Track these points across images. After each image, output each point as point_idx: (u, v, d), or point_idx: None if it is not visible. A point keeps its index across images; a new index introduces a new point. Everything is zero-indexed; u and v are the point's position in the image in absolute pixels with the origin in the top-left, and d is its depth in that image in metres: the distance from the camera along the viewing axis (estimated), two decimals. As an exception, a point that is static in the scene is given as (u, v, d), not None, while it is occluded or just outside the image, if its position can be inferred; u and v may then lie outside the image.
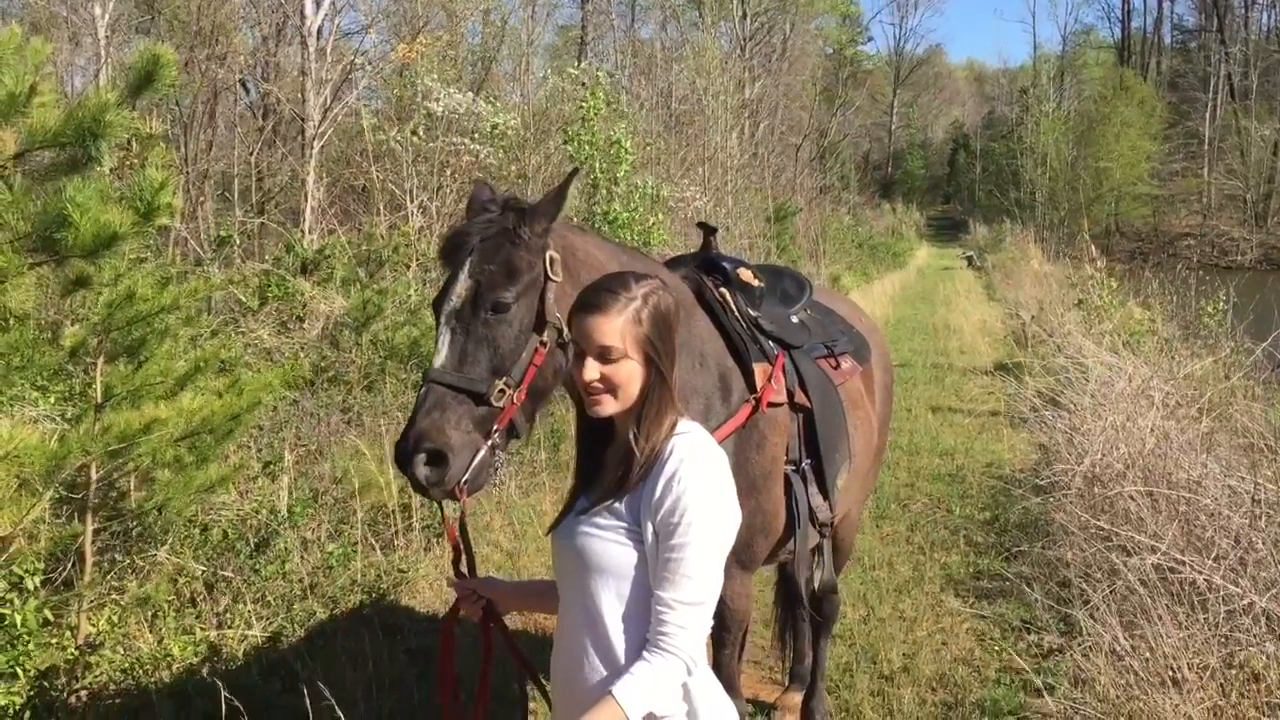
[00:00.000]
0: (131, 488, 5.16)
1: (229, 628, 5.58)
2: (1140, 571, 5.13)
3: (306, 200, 14.00)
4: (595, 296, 2.37)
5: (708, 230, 4.01)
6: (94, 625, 4.94)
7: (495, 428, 2.88)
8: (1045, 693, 5.08)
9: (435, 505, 2.98)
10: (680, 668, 2.22)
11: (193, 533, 6.02)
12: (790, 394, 3.72)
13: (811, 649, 5.06)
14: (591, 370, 2.33)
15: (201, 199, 16.62)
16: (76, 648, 4.80)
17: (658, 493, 2.27)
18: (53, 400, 5.84)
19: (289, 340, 11.46)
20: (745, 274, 3.82)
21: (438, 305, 2.98)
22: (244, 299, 12.65)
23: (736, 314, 3.70)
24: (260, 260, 13.82)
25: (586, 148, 12.02)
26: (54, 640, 4.80)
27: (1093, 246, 17.07)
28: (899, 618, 6.44)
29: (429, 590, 6.48)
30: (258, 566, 6.07)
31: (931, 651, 5.91)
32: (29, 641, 3.58)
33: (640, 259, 3.54)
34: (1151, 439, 7.24)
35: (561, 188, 3.07)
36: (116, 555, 5.51)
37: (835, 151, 44.63)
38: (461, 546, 2.80)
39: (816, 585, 4.14)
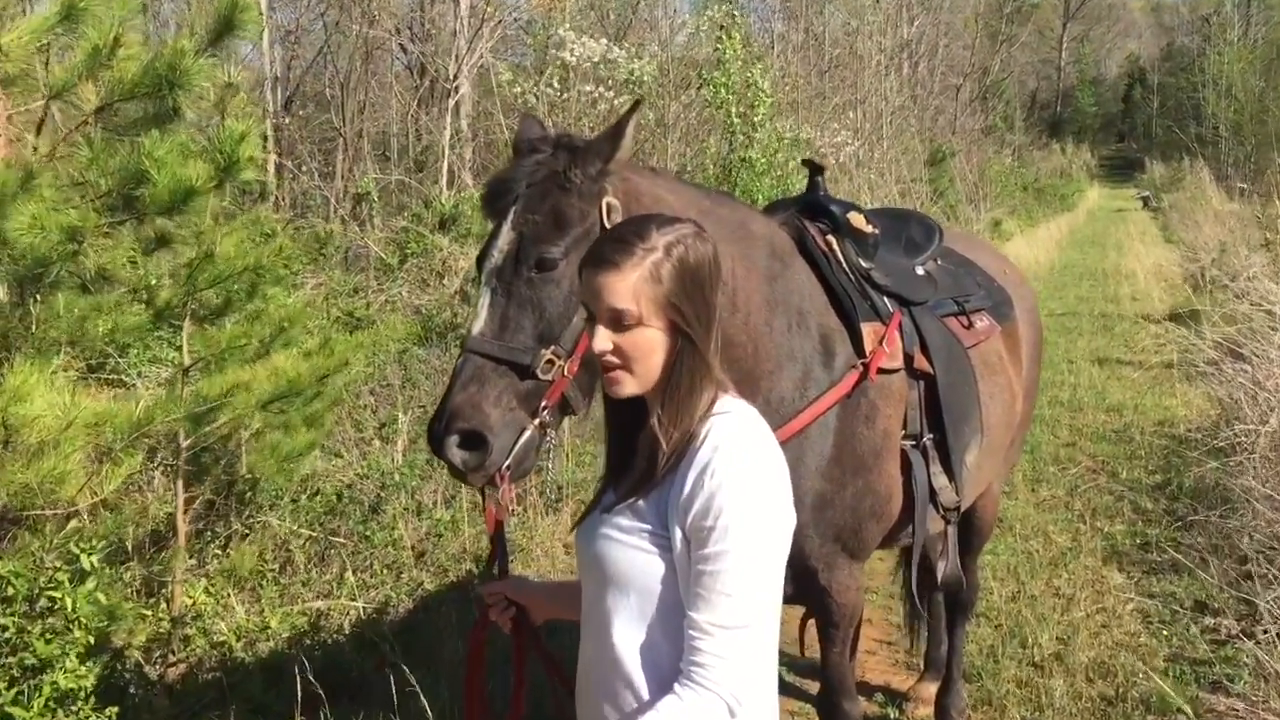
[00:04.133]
0: (224, 455, 4.98)
1: (334, 598, 5.39)
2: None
3: (444, 156, 13.86)
4: (604, 248, 1.91)
5: (814, 168, 3.51)
6: (190, 597, 4.79)
7: (544, 404, 2.48)
8: (1224, 685, 4.48)
9: (478, 492, 2.57)
10: (718, 707, 1.76)
11: (300, 498, 5.85)
12: (908, 358, 3.21)
13: (947, 634, 4.55)
14: (602, 340, 1.88)
15: (358, 158, 16.77)
16: (170, 620, 4.65)
17: (687, 489, 1.82)
18: (147, 364, 5.74)
19: (428, 297, 11.34)
20: (857, 219, 3.30)
21: (480, 261, 2.59)
22: (384, 256, 12.64)
23: (844, 265, 3.20)
24: (401, 217, 13.81)
25: (722, 91, 11.46)
26: (149, 613, 4.67)
27: (1282, 182, 15.66)
28: (1053, 595, 5.84)
29: (545, 559, 6.19)
30: (369, 533, 5.87)
31: (1090, 635, 5.30)
32: (86, 625, 3.36)
33: (726, 203, 3.07)
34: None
35: (620, 121, 2.64)
36: (217, 526, 5.36)
37: (999, 91, 42.67)
38: (498, 542, 2.42)
39: (939, 578, 3.63)
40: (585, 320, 1.94)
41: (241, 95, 4.52)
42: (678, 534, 1.82)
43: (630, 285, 1.85)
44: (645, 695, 1.86)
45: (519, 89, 14.27)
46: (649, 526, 1.87)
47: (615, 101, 13.85)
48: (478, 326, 2.51)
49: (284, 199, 15.95)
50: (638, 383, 1.90)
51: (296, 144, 17.34)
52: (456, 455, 2.42)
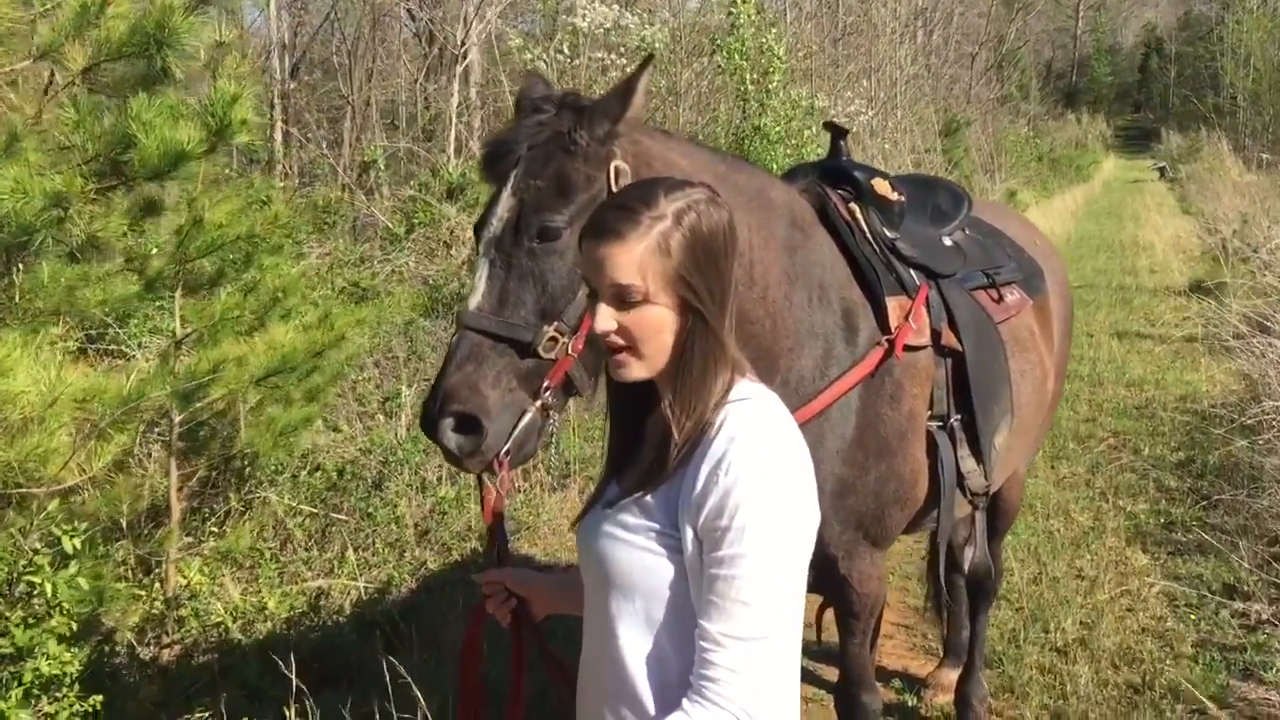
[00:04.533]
0: (220, 429, 4.81)
1: (335, 577, 5.23)
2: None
3: (451, 124, 13.63)
4: (607, 217, 1.70)
5: (836, 132, 3.30)
6: (184, 576, 4.64)
7: (546, 384, 2.30)
8: (1255, 673, 4.30)
9: (474, 479, 2.39)
10: None
11: (300, 474, 5.69)
12: (935, 334, 3.01)
13: (969, 620, 4.37)
14: (605, 319, 1.68)
15: (366, 126, 16.55)
16: (164, 601, 4.51)
17: (699, 485, 1.62)
18: (147, 335, 5.57)
19: (435, 267, 11.16)
20: (882, 186, 3.09)
21: (478, 230, 2.40)
22: (391, 225, 12.44)
23: (868, 235, 3.00)
24: (408, 186, 13.60)
25: (735, 57, 11.20)
26: (142, 594, 4.52)
27: (1305, 152, 15.35)
28: (1075, 577, 5.66)
29: (553, 537, 6.02)
30: (371, 510, 5.71)
31: (1114, 619, 5.12)
32: (67, 611, 3.20)
33: (744, 169, 2.86)
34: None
35: (631, 79, 2.44)
36: (215, 503, 5.20)
37: (1014, 59, 42.15)
38: (496, 531, 2.24)
39: (966, 565, 3.44)
40: (587, 296, 1.74)
41: (234, 56, 4.30)
42: (689, 534, 1.63)
43: (636, 258, 1.65)
44: (650, 708, 1.68)
45: (528, 56, 14.03)
46: (657, 525, 1.68)
47: (626, 69, 13.60)
48: (475, 301, 2.32)
49: (291, 167, 15.76)
50: (645, 365, 1.71)
51: (304, 112, 17.14)
52: (451, 440, 2.25)
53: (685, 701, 1.60)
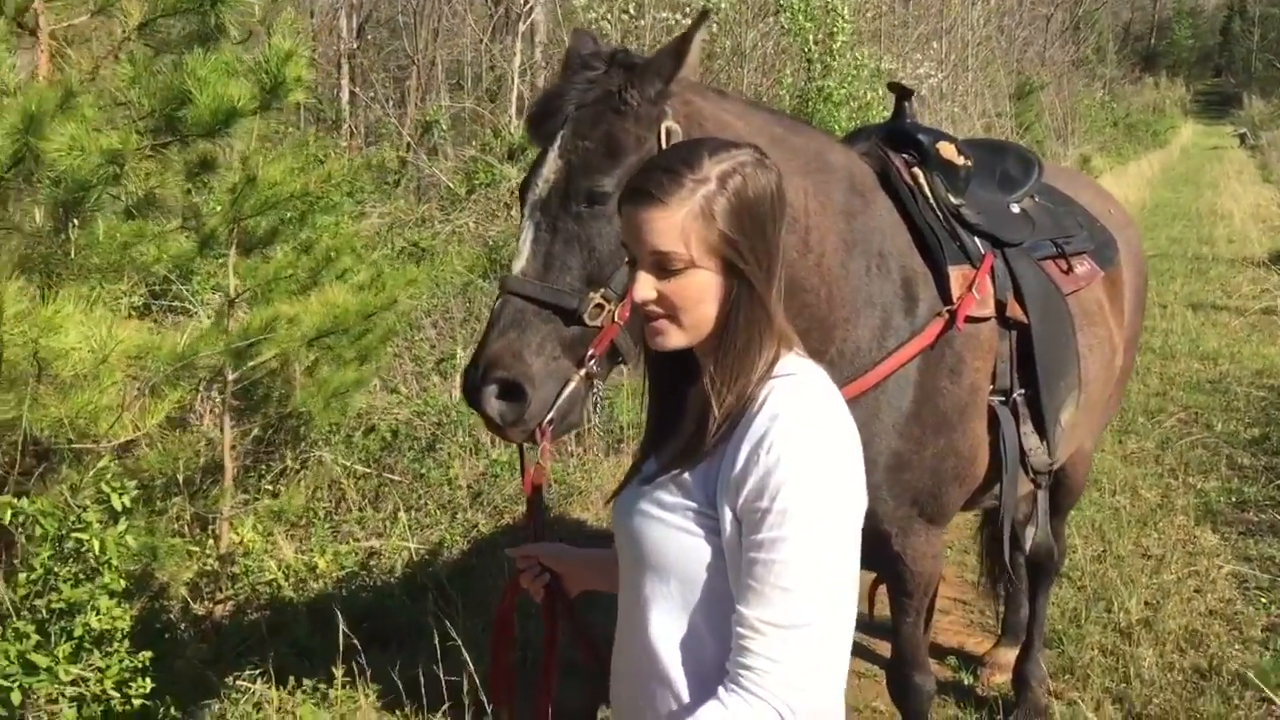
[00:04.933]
0: (274, 389, 4.81)
1: (387, 537, 5.23)
2: None
3: (514, 84, 13.55)
4: (647, 179, 1.60)
5: (901, 94, 3.17)
6: (238, 534, 4.65)
7: (591, 353, 2.22)
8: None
9: (515, 448, 2.33)
10: (769, 718, 1.48)
11: (354, 434, 5.69)
12: (1000, 305, 2.89)
13: (1029, 599, 4.25)
14: (645, 286, 1.59)
15: (430, 86, 16.52)
16: (217, 558, 4.52)
17: (739, 464, 1.53)
18: (210, 292, 5.58)
19: (496, 228, 11.12)
20: (947, 149, 2.96)
21: (523, 192, 2.32)
22: (452, 185, 12.43)
23: (931, 201, 2.88)
24: (470, 146, 13.57)
25: (800, 17, 10.97)
26: (196, 550, 4.55)
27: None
28: (1141, 556, 5.50)
29: (602, 504, 5.97)
30: (424, 471, 5.70)
31: (1181, 601, 4.96)
32: (116, 568, 3.20)
33: (802, 131, 2.75)
34: None
35: (685, 36, 2.34)
36: (271, 461, 5.21)
37: (1091, 21, 41.04)
38: (535, 504, 2.18)
39: (1026, 545, 3.33)
40: (627, 263, 1.66)
41: (290, 12, 4.25)
42: (727, 515, 1.55)
43: (678, 223, 1.56)
44: (684, 695, 1.61)
45: (593, 15, 13.88)
46: (694, 504, 1.59)
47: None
48: (519, 265, 2.25)
49: (357, 127, 15.79)
50: (686, 335, 1.62)
51: (369, 71, 17.16)
52: (494, 408, 2.18)
53: (721, 691, 1.52)
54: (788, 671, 1.48)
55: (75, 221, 4.08)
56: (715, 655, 1.58)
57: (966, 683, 4.41)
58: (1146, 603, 4.92)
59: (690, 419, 1.64)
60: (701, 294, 1.59)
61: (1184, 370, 9.03)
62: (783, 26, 12.05)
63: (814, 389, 1.61)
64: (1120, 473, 6.64)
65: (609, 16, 13.70)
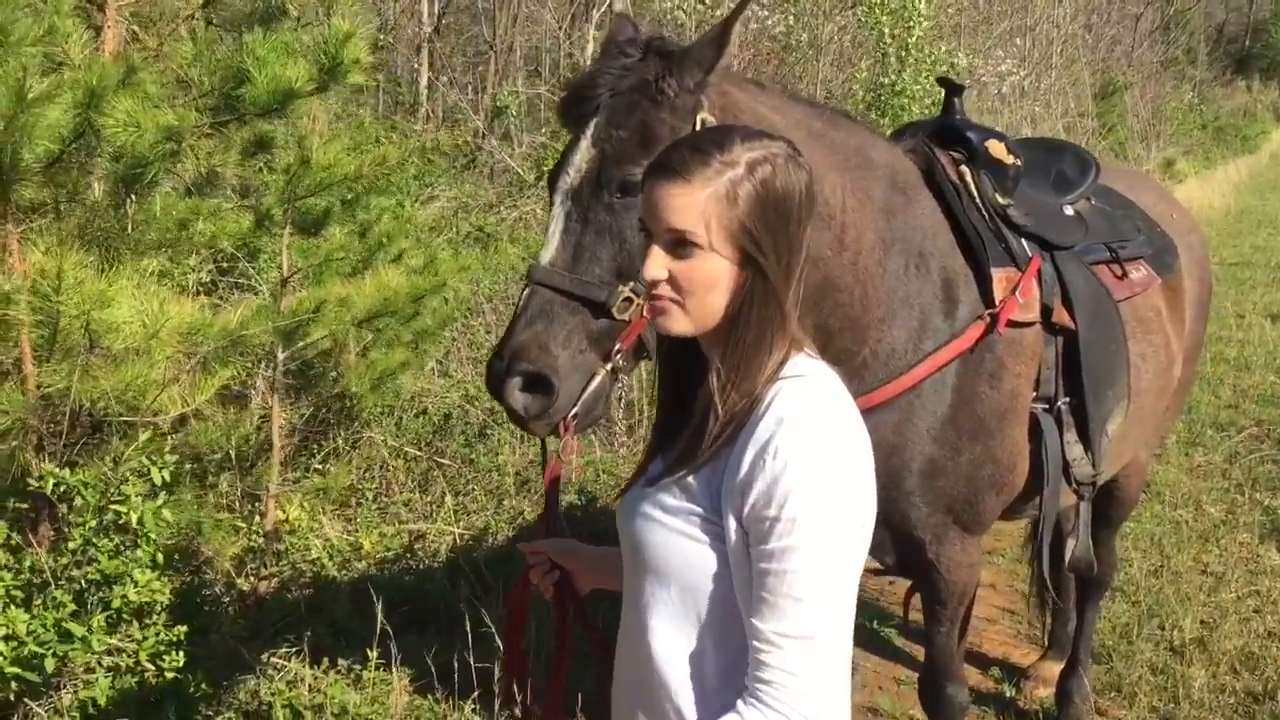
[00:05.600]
0: (326, 369, 4.85)
1: (432, 522, 5.26)
2: None
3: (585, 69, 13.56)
4: (673, 156, 1.55)
5: (951, 88, 3.08)
6: (284, 512, 4.70)
7: (617, 347, 2.19)
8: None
9: (538, 442, 2.31)
10: None
11: (406, 417, 5.73)
12: (1046, 309, 2.80)
13: (1077, 612, 4.15)
14: (657, 264, 1.54)
15: (508, 73, 16.60)
16: (262, 535, 4.58)
17: (744, 468, 1.49)
18: (275, 269, 5.63)
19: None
20: (997, 148, 2.88)
21: (553, 180, 2.30)
22: (520, 170, 12.47)
23: (977, 200, 2.80)
24: (539, 133, 13.60)
25: (876, 11, 10.81)
26: (243, 526, 4.61)
27: None
28: (1200, 572, 5.33)
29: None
30: (473, 456, 5.72)
31: (1239, 621, 4.79)
32: (154, 540, 3.25)
33: (844, 125, 2.69)
34: None
35: (723, 25, 2.29)
36: (321, 440, 5.27)
37: (1182, 21, 40.06)
38: (551, 498, 2.16)
39: (1066, 560, 3.23)
40: (642, 238, 1.61)
41: (349, -9, 4.28)
42: (731, 522, 1.50)
43: (699, 203, 1.51)
44: (682, 704, 1.57)
45: (668, 4, 13.83)
46: (698, 509, 1.55)
47: (767, 21, 13.32)
48: (548, 255, 2.22)
49: (435, 111, 15.91)
50: (690, 321, 1.56)
51: (449, 57, 17.27)
52: (519, 400, 2.16)
53: (741, 704, 1.48)
54: (805, 683, 1.45)
55: (133, 197, 4.14)
56: (717, 665, 1.55)
57: (1008, 695, 4.31)
58: (1202, 621, 4.77)
59: (695, 419, 1.59)
60: (713, 281, 1.54)
61: (1258, 383, 8.75)
62: (859, 20, 11.89)
63: (822, 391, 1.56)
64: (1184, 485, 6.45)
65: (683, 6, 13.65)
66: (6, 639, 2.96)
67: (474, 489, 5.56)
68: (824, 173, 2.39)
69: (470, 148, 13.19)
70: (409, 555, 4.98)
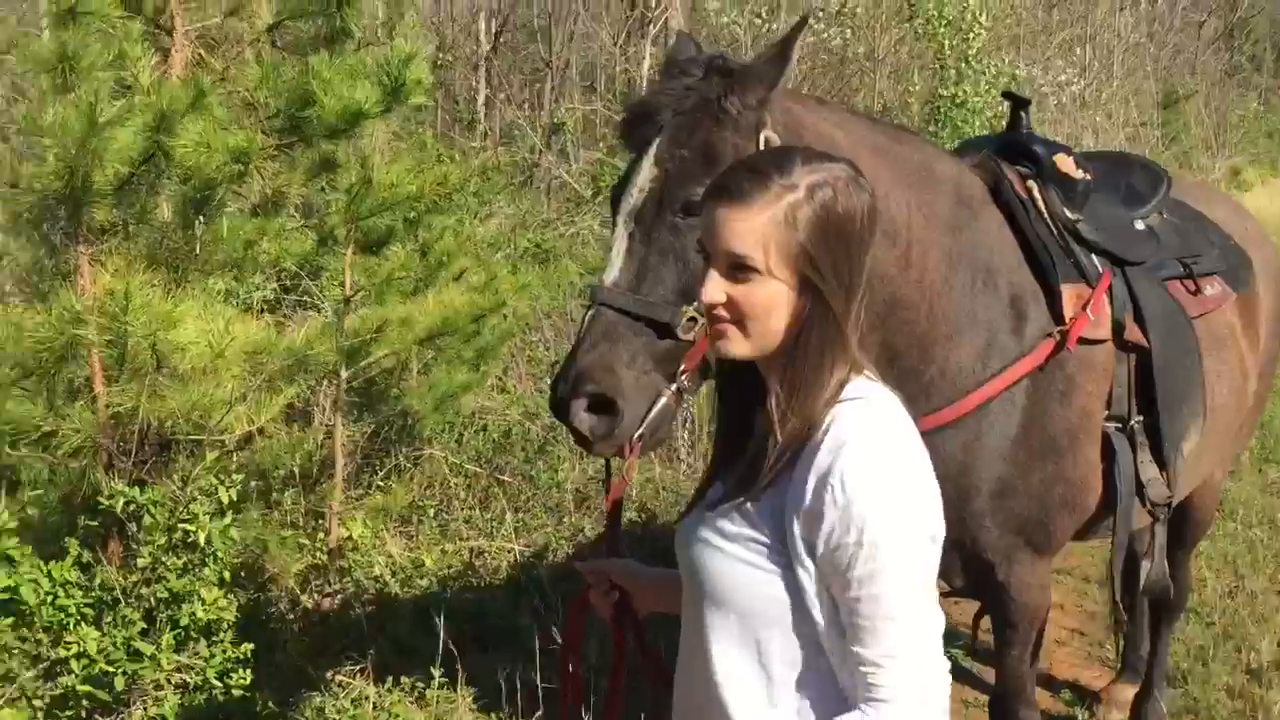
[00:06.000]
0: (387, 387, 4.89)
1: (492, 539, 5.27)
2: None
3: (642, 87, 13.59)
4: (733, 178, 1.55)
5: (1017, 102, 3.04)
6: (347, 529, 4.73)
7: (682, 368, 2.17)
8: None
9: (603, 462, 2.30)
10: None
11: (464, 434, 5.76)
12: (1118, 326, 2.74)
13: (1150, 635, 4.05)
14: (715, 288, 1.53)
15: (564, 89, 16.71)
16: (326, 552, 4.61)
17: (808, 497, 1.47)
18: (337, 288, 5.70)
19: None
20: (1065, 162, 2.83)
21: (615, 200, 2.29)
22: (577, 187, 12.52)
23: (1045, 216, 2.75)
24: (596, 149, 13.65)
25: (933, 23, 10.73)
26: (307, 543, 4.64)
27: None
28: (1277, 593, 5.20)
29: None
30: (533, 473, 5.73)
31: (1318, 643, 4.68)
32: (221, 560, 3.29)
33: (908, 141, 2.66)
34: None
35: (785, 42, 2.27)
36: (384, 458, 5.30)
37: (1246, 28, 39.33)
38: (612, 520, 2.15)
39: (1141, 584, 3.16)
40: (701, 260, 1.60)
41: (413, 14, 4.31)
42: (800, 548, 1.49)
43: (758, 227, 1.50)
44: None
45: (725, 19, 13.85)
46: (759, 535, 1.53)
47: (824, 34, 13.26)
48: (611, 276, 2.21)
49: (492, 129, 16.05)
50: (750, 345, 1.55)
51: (506, 75, 17.40)
52: (584, 422, 2.14)
53: (864, 706, 1.50)
54: (916, 692, 1.49)
55: (201, 218, 4.20)
56: (776, 689, 1.54)
57: (1080, 718, 4.22)
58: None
59: (754, 444, 1.58)
60: (771, 305, 1.52)
61: (1337, 397, 8.53)
62: (916, 32, 11.81)
63: (880, 412, 1.54)
64: (1258, 503, 6.30)
65: (739, 21, 13.66)
66: (78, 657, 3.00)
67: (534, 506, 5.57)
68: (889, 189, 2.36)
69: (527, 164, 13.28)
70: (470, 572, 4.99)
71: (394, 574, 4.74)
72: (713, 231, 1.54)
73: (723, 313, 1.54)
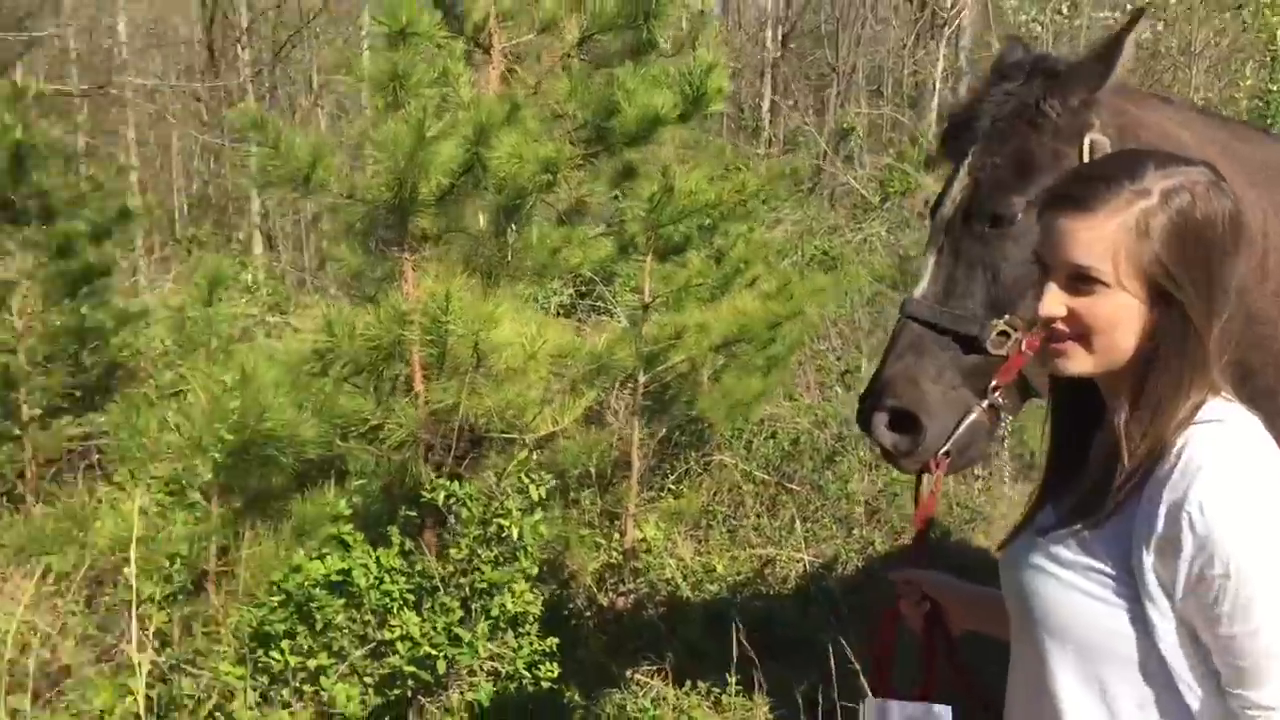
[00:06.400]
0: (682, 392, 4.97)
1: (781, 547, 5.27)
2: None
3: (935, 90, 13.27)
4: (1075, 185, 1.45)
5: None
6: (641, 531, 4.85)
7: (994, 384, 2.09)
8: None
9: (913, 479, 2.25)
10: None
11: (755, 441, 5.78)
12: None
13: None
14: (1054, 302, 1.43)
15: (849, 94, 16.58)
16: (621, 552, 4.74)
17: (1160, 525, 1.36)
18: (629, 293, 5.85)
19: (908, 237, 10.96)
20: None
21: (933, 212, 2.23)
22: (865, 193, 12.37)
23: None
24: (885, 154, 13.43)
25: (1266, 12, 9.89)
26: (604, 542, 4.79)
27: None
28: None
29: (1003, 534, 5.69)
30: (822, 483, 5.69)
31: None
32: (531, 554, 3.43)
33: (1253, 137, 2.44)
34: None
35: (1116, 37, 2.12)
36: (675, 461, 5.40)
37: None
38: (922, 536, 2.09)
39: None
40: (1038, 270, 1.50)
41: (714, 25, 4.38)
42: (1150, 581, 1.37)
43: (1106, 236, 1.39)
44: None
45: (1023, 17, 13.31)
46: (1100, 565, 1.42)
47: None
48: (921, 289, 2.16)
49: (777, 135, 16.10)
50: (1092, 361, 1.44)
51: (791, 80, 17.42)
52: (886, 437, 2.10)
53: None
54: None
55: (513, 226, 4.41)
56: None
57: None
58: None
59: (1094, 468, 1.47)
60: (1118, 319, 1.41)
61: None
62: (1244, 22, 10.93)
63: (1240, 435, 1.41)
64: None
65: (1040, 18, 13.10)
66: (402, 639, 3.21)
67: (823, 516, 5.52)
68: (1241, 192, 2.18)
69: (815, 170, 13.24)
70: (759, 580, 5.00)
71: (685, 577, 4.81)
72: (1053, 241, 1.45)
73: (1062, 327, 1.44)
